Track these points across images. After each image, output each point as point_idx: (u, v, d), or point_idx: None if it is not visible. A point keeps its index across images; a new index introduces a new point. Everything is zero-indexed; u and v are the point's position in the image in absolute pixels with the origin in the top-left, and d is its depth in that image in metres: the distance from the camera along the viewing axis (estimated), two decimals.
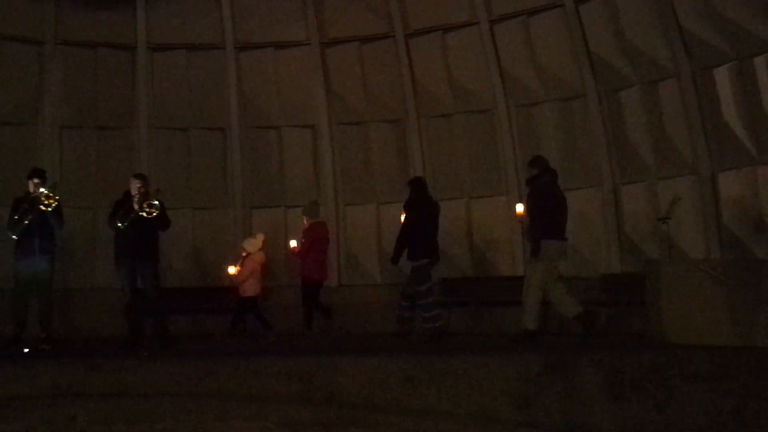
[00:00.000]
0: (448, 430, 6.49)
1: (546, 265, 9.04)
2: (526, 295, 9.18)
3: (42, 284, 9.58)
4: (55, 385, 7.03)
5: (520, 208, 9.76)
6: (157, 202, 9.59)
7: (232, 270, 11.82)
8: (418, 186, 10.39)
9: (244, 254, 11.76)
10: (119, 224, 9.65)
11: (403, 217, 10.28)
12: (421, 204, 10.20)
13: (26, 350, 8.87)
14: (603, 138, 11.73)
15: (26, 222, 9.35)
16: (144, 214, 9.54)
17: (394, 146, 13.28)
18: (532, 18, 12.19)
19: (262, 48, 13.52)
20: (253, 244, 11.81)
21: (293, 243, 11.68)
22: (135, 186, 9.76)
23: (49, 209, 9.30)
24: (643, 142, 11.41)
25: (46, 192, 9.30)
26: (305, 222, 11.44)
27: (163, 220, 9.79)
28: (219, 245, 13.07)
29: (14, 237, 9.49)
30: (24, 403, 6.70)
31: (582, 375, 6.98)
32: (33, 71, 12.76)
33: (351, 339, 10.85)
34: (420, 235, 10.01)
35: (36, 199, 9.29)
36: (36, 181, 9.48)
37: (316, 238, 11.23)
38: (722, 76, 10.58)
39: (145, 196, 9.62)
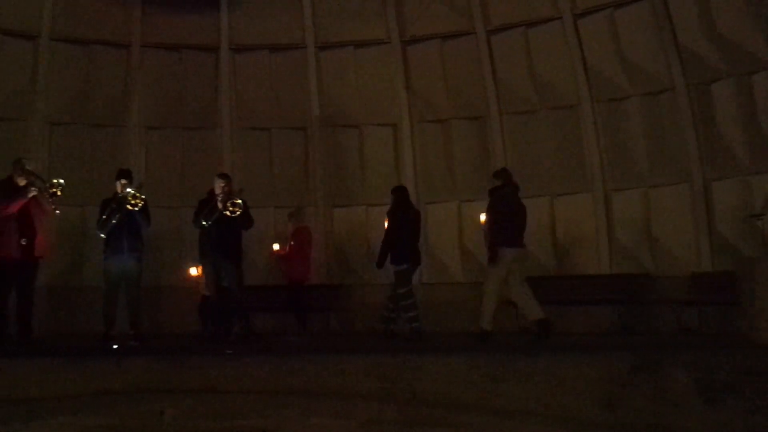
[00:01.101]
0: (533, 430, 6.36)
1: (500, 271, 9.46)
2: (483, 301, 9.56)
3: (130, 282, 9.80)
4: (144, 380, 7.15)
5: (483, 217, 10.09)
6: (240, 201, 9.69)
7: (194, 271, 11.67)
8: (399, 194, 10.68)
9: None
10: (204, 223, 9.80)
11: (386, 224, 10.63)
12: (401, 212, 10.50)
13: (115, 346, 9.06)
14: (692, 132, 11.37)
15: (114, 222, 9.57)
16: (228, 213, 9.66)
17: (475, 144, 13.14)
18: (618, 11, 11.90)
19: (342, 47, 13.56)
20: None
21: (276, 246, 11.79)
22: (219, 185, 9.90)
23: (136, 209, 9.51)
24: (736, 136, 11.00)
25: (132, 192, 9.51)
26: (290, 227, 11.72)
27: (246, 219, 9.89)
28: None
29: (102, 236, 9.74)
30: (114, 397, 6.83)
31: (672, 376, 6.74)
32: (120, 74, 13.10)
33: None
34: (400, 241, 10.34)
35: (123, 200, 9.51)
36: (123, 182, 9.73)
37: (303, 242, 11.52)
38: None
39: (229, 196, 9.74)
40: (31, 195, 9.00)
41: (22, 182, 9.14)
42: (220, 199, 9.75)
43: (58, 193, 9.02)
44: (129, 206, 9.49)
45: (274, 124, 13.53)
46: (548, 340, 9.24)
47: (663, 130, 11.75)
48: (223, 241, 9.80)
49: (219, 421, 6.18)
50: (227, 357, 7.78)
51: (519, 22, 12.74)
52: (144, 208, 9.69)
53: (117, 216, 9.59)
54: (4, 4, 12.18)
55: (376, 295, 12.00)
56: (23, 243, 8.97)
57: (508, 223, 9.48)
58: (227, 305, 9.98)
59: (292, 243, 11.55)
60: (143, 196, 9.65)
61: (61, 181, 9.08)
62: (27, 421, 5.99)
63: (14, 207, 8.91)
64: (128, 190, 9.60)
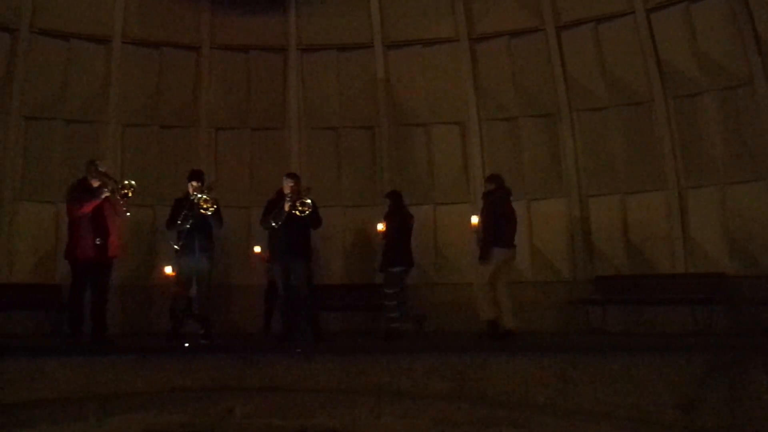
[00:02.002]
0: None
1: (489, 268, 9.86)
2: (477, 296, 10.03)
3: (201, 281, 9.89)
4: (214, 378, 7.22)
5: (474, 219, 10.42)
6: (309, 201, 9.71)
7: (169, 270, 11.48)
8: (394, 199, 11.08)
9: None
10: (273, 223, 9.84)
11: (381, 226, 11.07)
12: (396, 216, 10.89)
13: (186, 345, 9.16)
14: None
15: (187, 226, 9.68)
16: (297, 213, 9.68)
17: (545, 142, 12.94)
18: (693, 5, 11.57)
19: (410, 45, 13.51)
20: None
21: (257, 249, 11.87)
22: (288, 185, 9.94)
23: (209, 212, 9.60)
24: None
25: (204, 197, 9.60)
26: None
27: (315, 219, 9.91)
28: (369, 243, 13.14)
29: (174, 241, 9.86)
30: (185, 395, 6.91)
31: (752, 377, 6.52)
32: (190, 76, 13.29)
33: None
34: (395, 244, 10.74)
35: (195, 204, 9.60)
36: (195, 183, 9.83)
37: None
38: None
39: (298, 195, 9.77)
40: (104, 196, 9.15)
41: (95, 183, 9.29)
42: (289, 198, 9.78)
43: (130, 194, 9.13)
44: (202, 210, 9.60)
45: (342, 123, 13.56)
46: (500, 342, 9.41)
47: (740, 126, 11.37)
48: (292, 241, 9.83)
49: (288, 419, 6.19)
50: (297, 356, 7.80)
51: (590, 17, 12.50)
52: (216, 211, 9.77)
53: (190, 221, 9.69)
54: (77, 9, 12.47)
55: (446, 295, 11.95)
56: (98, 243, 9.11)
57: (499, 224, 9.91)
58: (295, 304, 10.00)
59: None
60: (215, 201, 9.73)
61: (133, 182, 9.19)
62: (100, 417, 6.09)
63: (87, 207, 9.06)
64: (200, 195, 9.68)
